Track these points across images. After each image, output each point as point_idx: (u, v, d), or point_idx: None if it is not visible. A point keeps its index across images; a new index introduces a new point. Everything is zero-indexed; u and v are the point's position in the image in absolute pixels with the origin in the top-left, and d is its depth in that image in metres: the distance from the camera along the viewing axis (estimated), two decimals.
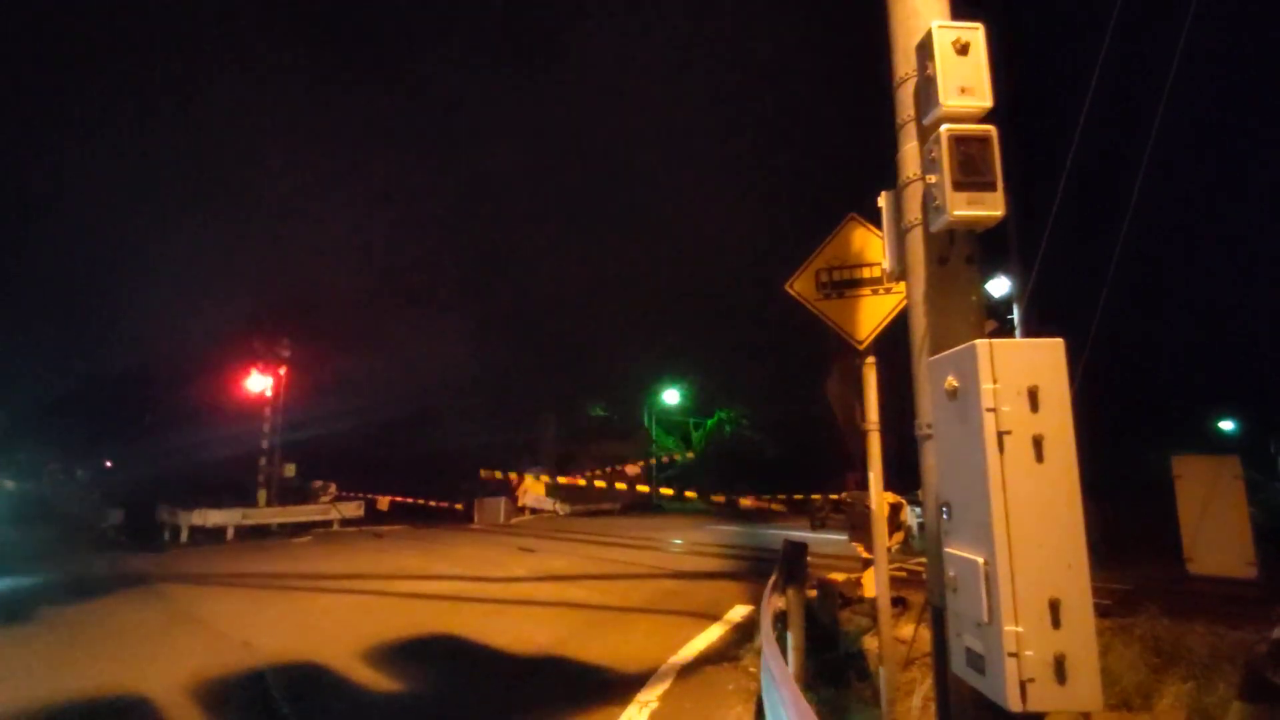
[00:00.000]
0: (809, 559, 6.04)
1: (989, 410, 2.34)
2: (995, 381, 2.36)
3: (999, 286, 13.21)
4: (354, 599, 9.70)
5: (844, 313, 5.19)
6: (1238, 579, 9.63)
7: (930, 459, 3.05)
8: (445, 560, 13.23)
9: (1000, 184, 2.83)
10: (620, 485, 26.13)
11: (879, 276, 5.03)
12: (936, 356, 2.82)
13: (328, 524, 20.07)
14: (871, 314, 5.10)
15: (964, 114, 2.91)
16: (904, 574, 9.70)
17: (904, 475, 4.70)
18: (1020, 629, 2.22)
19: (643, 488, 26.95)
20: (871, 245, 5.14)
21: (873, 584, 5.19)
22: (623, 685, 5.76)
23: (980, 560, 2.35)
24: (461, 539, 17.52)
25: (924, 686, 5.03)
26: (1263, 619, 3.54)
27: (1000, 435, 2.32)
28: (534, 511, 25.00)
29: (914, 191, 3.29)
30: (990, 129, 2.87)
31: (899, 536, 6.04)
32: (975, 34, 2.95)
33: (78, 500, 22.72)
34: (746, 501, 23.51)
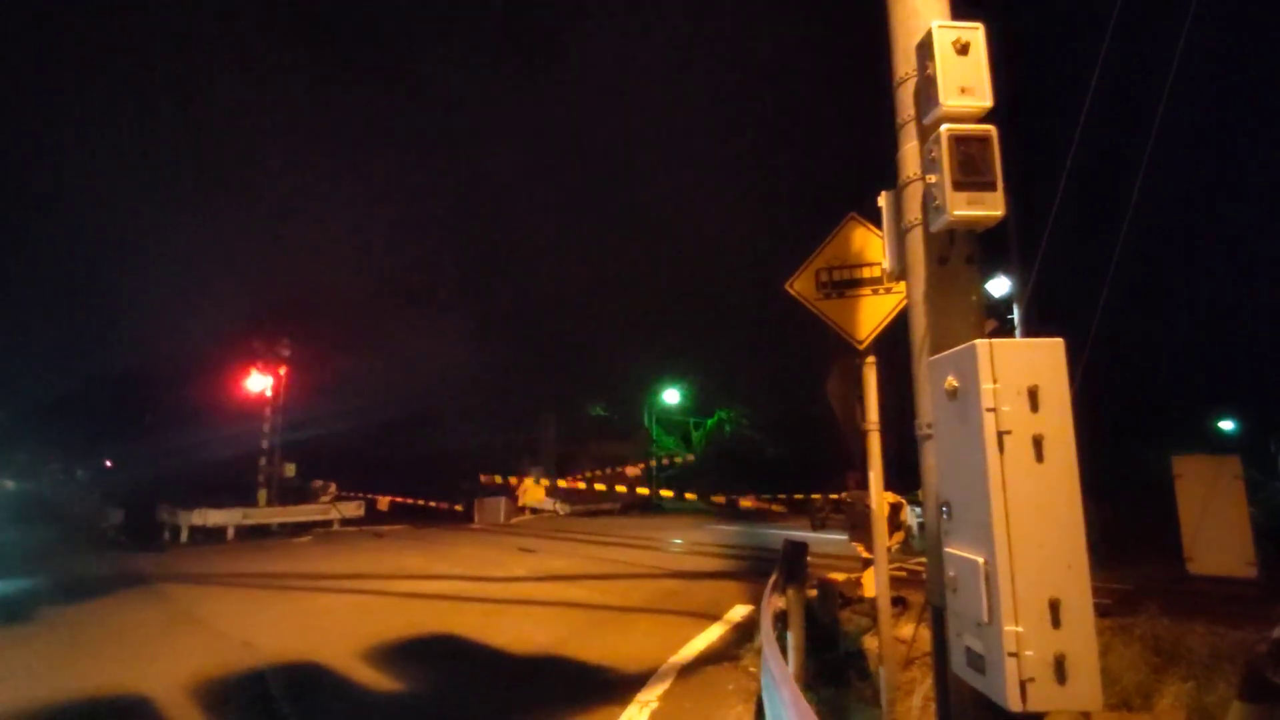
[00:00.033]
0: (809, 559, 6.05)
1: (989, 410, 2.34)
2: (995, 381, 2.36)
3: (999, 286, 13.22)
4: (354, 599, 9.70)
5: (844, 312, 5.19)
6: (1238, 579, 9.63)
7: (930, 459, 3.05)
8: (445, 560, 13.23)
9: (1000, 184, 2.83)
10: (620, 488, 26.12)
11: (879, 276, 5.03)
12: (936, 356, 2.82)
13: (328, 524, 20.07)
14: (871, 314, 5.10)
15: (964, 114, 2.91)
16: (904, 574, 9.70)
17: (904, 475, 4.70)
18: (1020, 629, 2.22)
19: (643, 490, 26.94)
20: (871, 245, 5.14)
21: (873, 584, 5.19)
22: (623, 685, 5.77)
23: (980, 560, 2.35)
24: (462, 539, 17.52)
25: (924, 686, 5.03)
26: (1263, 619, 3.53)
27: (1000, 435, 2.32)
28: (534, 511, 25.00)
29: (914, 191, 3.29)
30: (990, 129, 2.87)
31: (899, 536, 6.04)
32: (975, 34, 2.95)
33: (78, 500, 22.75)
34: (747, 503, 23.49)
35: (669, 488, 28.63)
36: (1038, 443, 2.32)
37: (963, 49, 2.92)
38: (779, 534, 14.68)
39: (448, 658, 6.77)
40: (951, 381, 2.56)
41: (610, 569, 12.35)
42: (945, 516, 2.67)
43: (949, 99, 2.89)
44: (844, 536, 6.51)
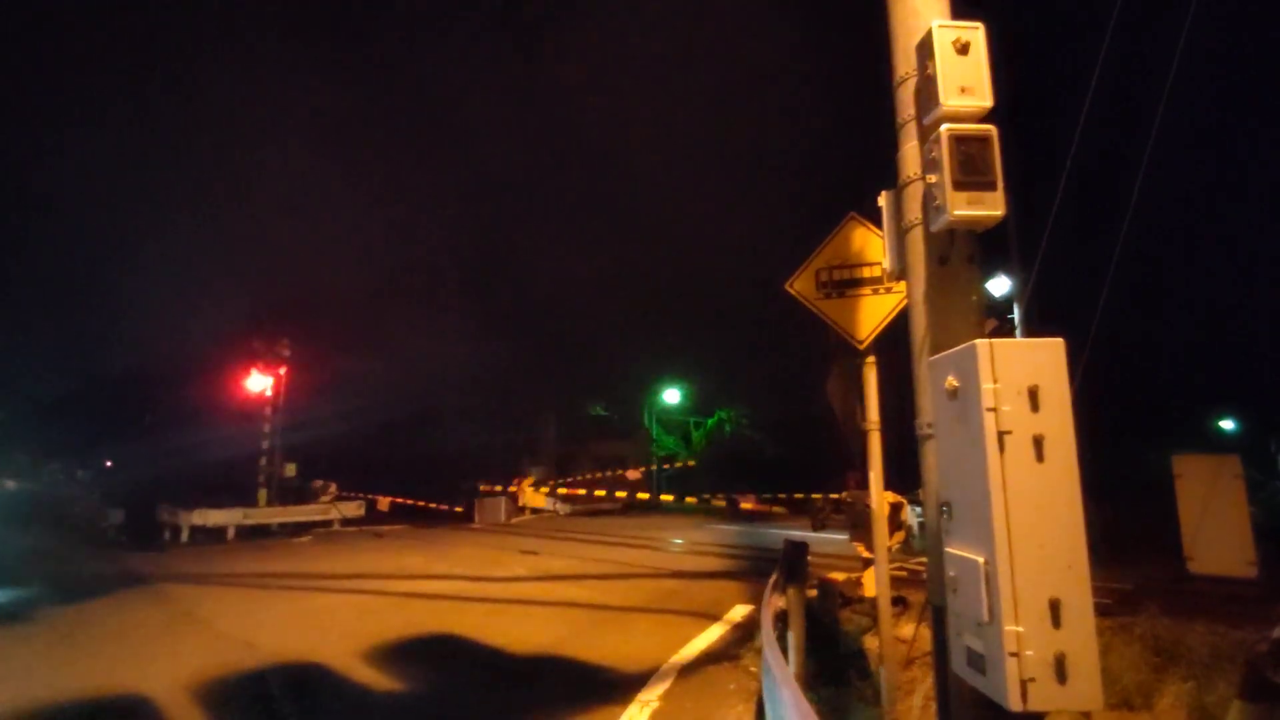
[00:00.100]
0: (809, 559, 6.05)
1: (989, 410, 2.34)
2: (995, 381, 2.36)
3: (999, 286, 13.23)
4: (355, 599, 9.70)
5: (844, 312, 5.19)
6: (1238, 578, 9.63)
7: (931, 458, 3.05)
8: (446, 560, 13.23)
9: (1000, 184, 2.83)
10: (620, 494, 26.15)
11: (879, 276, 5.04)
12: (937, 356, 2.82)
13: (328, 524, 20.07)
14: (871, 313, 5.10)
15: (964, 113, 2.91)
16: (904, 573, 9.71)
17: (904, 474, 4.71)
18: (1021, 628, 2.22)
19: (643, 495, 26.92)
20: (871, 245, 5.15)
21: (873, 583, 5.20)
22: (624, 685, 5.77)
23: (981, 560, 2.35)
24: (462, 539, 17.53)
25: (924, 686, 5.03)
26: (1263, 618, 3.54)
27: (1001, 435, 2.33)
28: (535, 511, 25.00)
29: (914, 191, 3.29)
30: (990, 129, 2.87)
31: (899, 536, 6.04)
32: (975, 34, 2.95)
33: (78, 500, 22.72)
34: (748, 505, 23.48)
35: (670, 489, 28.63)
36: (1038, 443, 2.32)
37: (963, 49, 2.92)
38: (779, 534, 14.68)
39: (448, 658, 6.77)
40: (952, 381, 2.56)
41: (611, 569, 12.35)
42: (946, 516, 2.67)
43: (949, 99, 2.89)
44: (844, 536, 6.51)
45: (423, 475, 24.80)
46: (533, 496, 25.10)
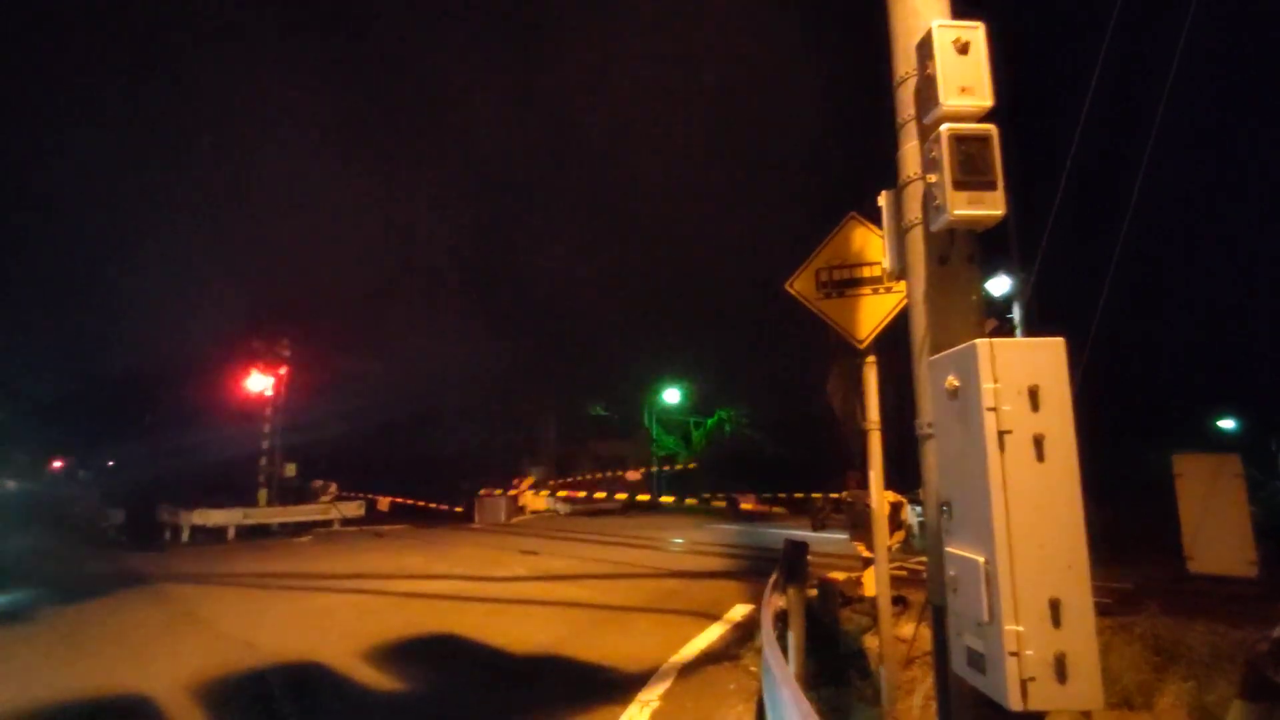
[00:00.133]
0: (809, 558, 6.05)
1: (990, 410, 2.34)
2: (996, 381, 2.36)
3: (999, 286, 13.23)
4: (355, 599, 9.70)
5: (844, 312, 5.19)
6: (1238, 578, 9.62)
7: (931, 458, 3.05)
8: (446, 560, 13.23)
9: (1001, 183, 2.84)
10: (621, 496, 26.18)
11: (879, 276, 5.04)
12: (937, 356, 2.82)
13: (328, 524, 20.08)
14: (872, 313, 5.11)
15: (964, 113, 2.91)
16: (904, 573, 9.71)
17: (904, 474, 4.71)
18: (1021, 628, 2.22)
19: (643, 496, 26.92)
20: (871, 244, 5.15)
21: (873, 583, 5.20)
22: (624, 684, 5.77)
23: (981, 559, 2.35)
24: (462, 539, 17.53)
25: (925, 685, 5.03)
26: (1263, 617, 3.54)
27: (1001, 435, 2.33)
28: (535, 511, 25.02)
29: (914, 191, 3.29)
30: (991, 128, 2.87)
31: (899, 535, 6.05)
32: (975, 33, 2.95)
33: (79, 500, 22.74)
34: (748, 504, 23.48)
35: (670, 489, 28.64)
36: (1038, 442, 2.32)
37: (963, 48, 2.92)
38: (779, 534, 14.68)
39: (448, 658, 6.77)
40: (952, 381, 2.56)
41: (611, 569, 12.35)
42: (946, 516, 2.67)
43: (949, 98, 2.89)
44: (844, 536, 6.51)
45: (423, 475, 24.82)
46: (533, 499, 25.14)
